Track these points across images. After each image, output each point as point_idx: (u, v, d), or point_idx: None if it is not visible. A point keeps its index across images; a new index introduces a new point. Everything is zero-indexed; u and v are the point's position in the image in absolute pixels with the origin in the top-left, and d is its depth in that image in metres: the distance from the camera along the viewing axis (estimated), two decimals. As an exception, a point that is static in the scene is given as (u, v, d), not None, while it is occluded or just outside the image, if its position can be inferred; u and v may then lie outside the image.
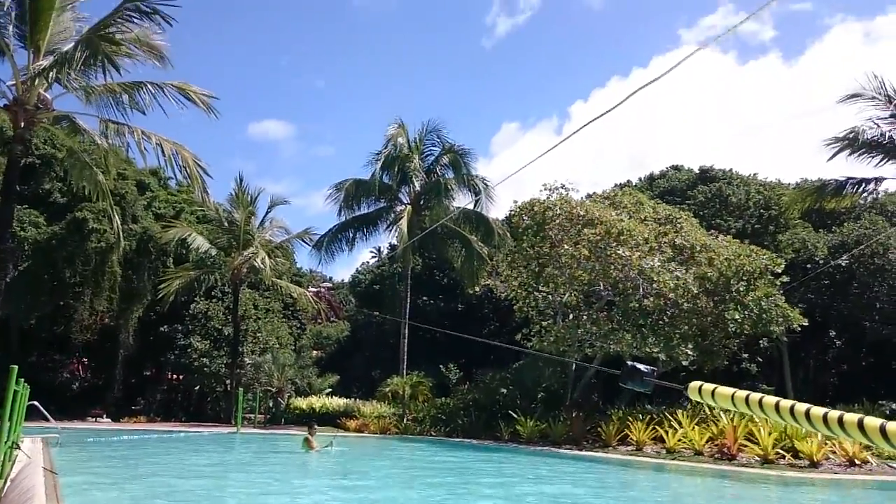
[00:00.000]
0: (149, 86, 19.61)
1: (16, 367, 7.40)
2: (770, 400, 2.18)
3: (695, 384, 2.48)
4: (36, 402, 15.33)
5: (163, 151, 19.40)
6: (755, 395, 2.24)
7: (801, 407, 2.09)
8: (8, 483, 8.95)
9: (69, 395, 31.35)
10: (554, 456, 17.11)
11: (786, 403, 2.14)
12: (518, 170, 10.29)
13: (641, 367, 2.66)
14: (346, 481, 12.57)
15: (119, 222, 23.07)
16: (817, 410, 2.03)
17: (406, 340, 28.47)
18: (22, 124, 17.92)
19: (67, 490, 8.83)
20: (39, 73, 16.99)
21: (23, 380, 9.79)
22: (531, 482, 12.55)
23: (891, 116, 22.66)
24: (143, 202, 32.27)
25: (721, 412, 17.83)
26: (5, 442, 9.16)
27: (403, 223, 27.40)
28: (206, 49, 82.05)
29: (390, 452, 18.57)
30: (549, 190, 23.29)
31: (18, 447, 10.20)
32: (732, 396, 2.30)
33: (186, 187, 35.56)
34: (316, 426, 18.20)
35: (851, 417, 1.93)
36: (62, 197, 30.16)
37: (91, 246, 28.38)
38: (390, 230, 30.32)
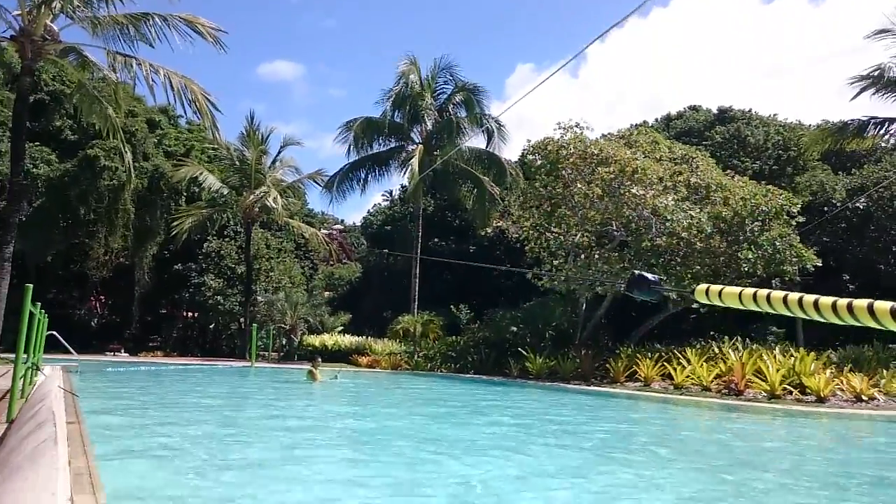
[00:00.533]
0: (155, 17, 19.28)
1: (30, 285, 7.48)
2: (778, 294, 2.13)
3: (702, 287, 2.43)
4: (55, 332, 15.69)
5: (171, 85, 19.19)
6: (762, 291, 2.18)
7: (809, 298, 2.04)
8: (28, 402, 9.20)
9: (88, 331, 32.07)
10: (561, 390, 17.35)
11: (794, 296, 2.08)
12: (521, 97, 10.04)
13: (649, 275, 2.60)
14: (345, 402, 12.91)
15: (130, 159, 23.05)
16: (826, 300, 1.98)
17: (417, 280, 28.64)
18: (29, 55, 17.74)
19: (87, 410, 9.04)
20: (44, 2, 16.69)
21: (39, 304, 9.94)
22: (521, 409, 12.79)
23: (919, 54, 21.93)
24: (153, 140, 32.17)
25: (730, 350, 17.95)
26: (25, 363, 9.38)
27: (415, 162, 27.18)
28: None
29: (397, 385, 18.92)
30: (564, 129, 22.89)
31: (39, 369, 10.44)
32: (740, 295, 2.25)
33: (197, 126, 35.39)
34: (320, 359, 18.92)
35: (861, 303, 1.88)
36: (73, 134, 30.13)
37: (103, 183, 28.48)
38: (402, 170, 30.14)
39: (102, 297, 36.91)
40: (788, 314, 2.07)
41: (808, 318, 2.02)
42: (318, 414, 11.32)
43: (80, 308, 33.99)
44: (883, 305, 1.82)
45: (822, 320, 1.99)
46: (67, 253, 31.49)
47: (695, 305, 23.51)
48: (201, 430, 8.65)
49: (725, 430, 11.07)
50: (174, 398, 12.99)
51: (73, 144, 29.72)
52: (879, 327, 1.83)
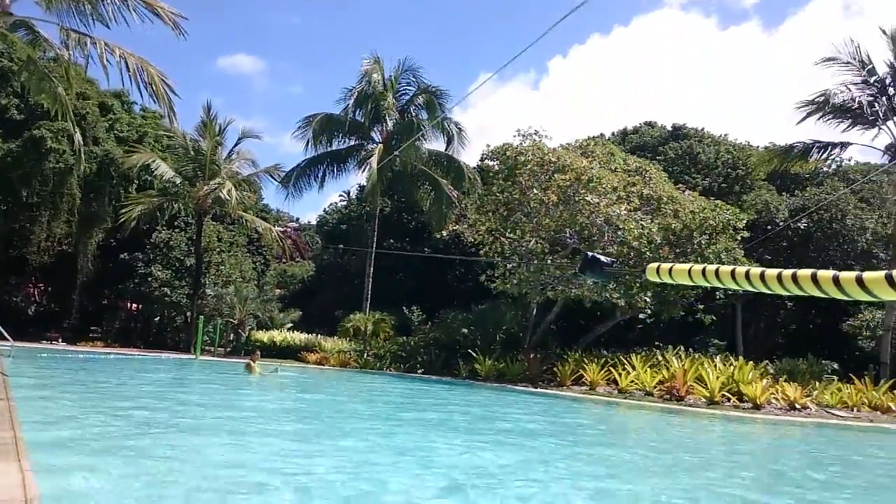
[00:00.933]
0: (113, -4, 18.74)
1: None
2: (725, 268, 2.20)
3: (653, 265, 2.49)
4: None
5: (127, 66, 18.66)
6: (711, 266, 2.26)
7: (756, 270, 2.11)
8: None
9: (24, 318, 30.80)
10: (509, 392, 17.49)
11: (741, 269, 2.16)
12: (476, 87, 10.15)
13: (601, 257, 2.66)
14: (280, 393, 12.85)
15: (80, 140, 22.32)
16: (771, 271, 2.05)
17: (371, 280, 28.49)
18: (-25, 26, 17.01)
19: (17, 390, 8.73)
20: (-6, -29, 16.05)
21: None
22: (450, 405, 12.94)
23: (862, 82, 22.98)
24: (104, 124, 31.17)
25: (673, 357, 18.41)
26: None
27: (374, 160, 27.09)
28: (177, -26, 78.37)
29: (340, 382, 18.82)
30: (523, 136, 23.21)
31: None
32: (689, 271, 2.31)
33: (152, 113, 34.50)
34: (259, 353, 18.90)
35: (805, 272, 1.95)
36: (19, 114, 28.96)
37: (49, 166, 27.46)
38: (361, 168, 29.96)
39: (42, 285, 35.53)
40: (735, 287, 2.14)
41: (754, 290, 2.05)
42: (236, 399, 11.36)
43: (18, 294, 32.64)
44: (825, 273, 1.87)
45: (768, 291, 2.04)
46: (7, 236, 30.21)
47: (641, 315, 24.05)
48: (125, 412, 8.55)
49: (649, 426, 11.37)
50: (108, 379, 12.70)
51: (19, 124, 28.55)
52: (822, 295, 1.88)
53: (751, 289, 2.08)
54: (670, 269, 2.36)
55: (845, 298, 1.83)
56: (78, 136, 21.12)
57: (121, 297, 33.76)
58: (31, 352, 19.39)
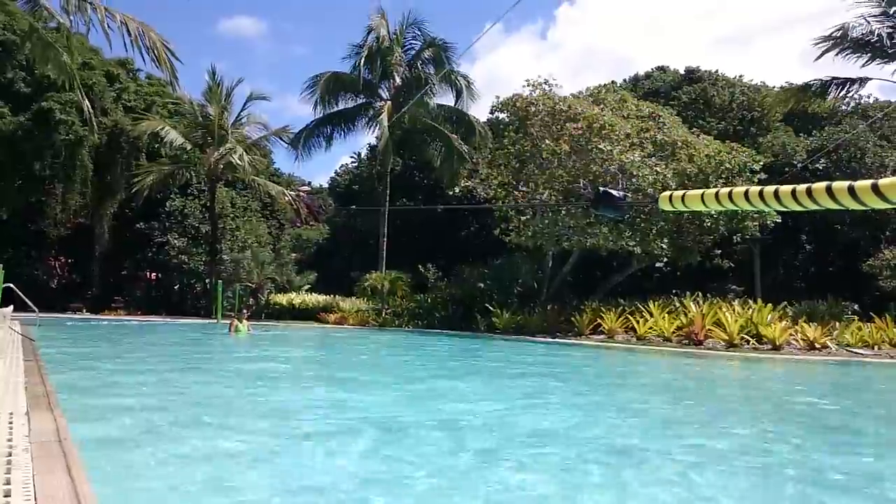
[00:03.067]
0: (111, -40, 18.40)
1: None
2: (739, 189, 2.15)
3: (665, 194, 2.44)
4: (12, 285, 15.28)
5: (128, 31, 18.39)
6: (724, 190, 2.20)
7: (770, 188, 2.06)
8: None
9: (47, 291, 31.28)
10: (527, 342, 17.60)
11: (754, 189, 2.10)
12: (478, 37, 9.93)
13: (614, 191, 2.61)
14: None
15: (90, 109, 22.25)
16: (785, 188, 2.00)
17: (385, 240, 28.52)
18: (-25, -3, 16.84)
19: (46, 357, 8.91)
20: (-10, -62, 15.81)
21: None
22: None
23: (881, 14, 22.22)
24: (112, 94, 31.06)
25: (691, 302, 18.37)
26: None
27: (384, 118, 26.84)
28: (174, -63, 76.87)
29: (354, 337, 19.04)
30: (532, 86, 22.81)
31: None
32: (702, 196, 2.27)
33: (158, 80, 34.28)
34: (246, 312, 19.35)
35: (819, 186, 1.90)
36: (26, 87, 28.90)
37: (59, 138, 27.50)
38: (370, 127, 29.72)
39: (62, 257, 35.98)
40: (750, 208, 2.11)
41: (769, 208, 2.04)
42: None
43: (40, 268, 33.10)
44: (840, 184, 1.84)
45: (784, 209, 2.01)
46: (25, 211, 30.50)
47: (658, 264, 23.94)
48: (147, 368, 8.73)
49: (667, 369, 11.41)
50: (133, 342, 12.99)
51: (27, 97, 28.53)
52: (837, 207, 1.85)
53: (765, 208, 2.05)
54: (683, 196, 2.33)
55: (861, 208, 1.80)
56: (87, 106, 21.03)
57: (139, 266, 34.16)
58: (57, 321, 19.77)
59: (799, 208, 1.96)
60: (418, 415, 5.96)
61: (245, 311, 19.48)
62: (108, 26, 18.10)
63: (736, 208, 2.20)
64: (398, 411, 6.21)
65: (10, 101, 28.37)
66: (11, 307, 14.53)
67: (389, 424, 5.29)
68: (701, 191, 2.28)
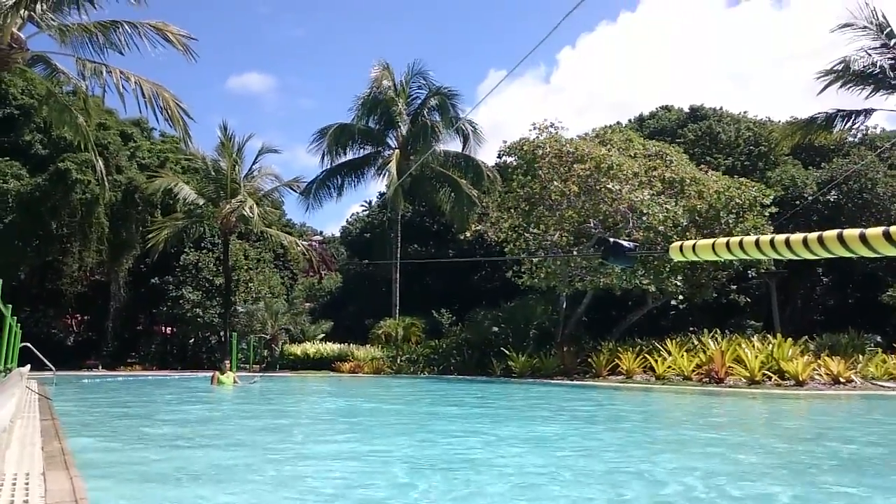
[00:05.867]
0: (125, 25, 19.08)
1: None
2: (749, 239, 2.15)
3: (675, 244, 2.45)
4: (29, 344, 15.39)
5: (142, 92, 18.98)
6: (734, 239, 2.20)
7: (781, 237, 2.06)
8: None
9: (63, 348, 31.42)
10: (544, 385, 17.36)
11: (765, 238, 2.10)
12: (488, 93, 10.12)
13: (624, 242, 2.63)
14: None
15: (103, 168, 22.74)
16: (796, 236, 2.00)
17: (398, 286, 28.55)
18: (-4, 65, 17.43)
19: (63, 415, 8.88)
20: (12, 7, 16.45)
21: (11, 307, 9.75)
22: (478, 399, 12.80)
23: (882, 46, 22.47)
24: (126, 152, 31.77)
25: (710, 339, 18.12)
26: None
27: (392, 166, 27.20)
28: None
29: (375, 386, 18.81)
30: (539, 129, 23.10)
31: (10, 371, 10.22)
32: (713, 245, 2.26)
33: (171, 137, 35.07)
34: (228, 363, 19.15)
35: (830, 233, 1.89)
36: (44, 149, 29.66)
37: (76, 197, 28.03)
38: (379, 175, 30.11)
39: (78, 315, 36.23)
40: (761, 257, 2.09)
41: (781, 257, 2.02)
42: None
43: (56, 326, 33.32)
44: (851, 232, 1.83)
45: (795, 257, 2.00)
46: (41, 270, 30.90)
47: (673, 301, 23.74)
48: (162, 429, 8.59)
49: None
50: (141, 402, 12.93)
51: (44, 159, 29.24)
52: (849, 254, 1.84)
53: (777, 256, 2.04)
54: (693, 247, 2.31)
55: (873, 255, 1.79)
56: (100, 165, 21.52)
57: (155, 321, 34.31)
58: (73, 378, 19.79)
59: (812, 257, 1.94)
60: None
61: (226, 361, 19.42)
62: (123, 87, 18.69)
63: (748, 257, 2.18)
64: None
65: (28, 163, 29.08)
66: (29, 366, 14.58)
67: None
68: (712, 241, 2.27)
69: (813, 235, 1.88)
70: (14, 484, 3.18)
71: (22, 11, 16.84)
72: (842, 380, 14.43)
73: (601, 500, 4.22)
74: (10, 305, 7.99)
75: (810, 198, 26.46)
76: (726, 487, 4.51)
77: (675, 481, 4.70)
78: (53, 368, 17.47)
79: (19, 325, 13.79)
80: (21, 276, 29.82)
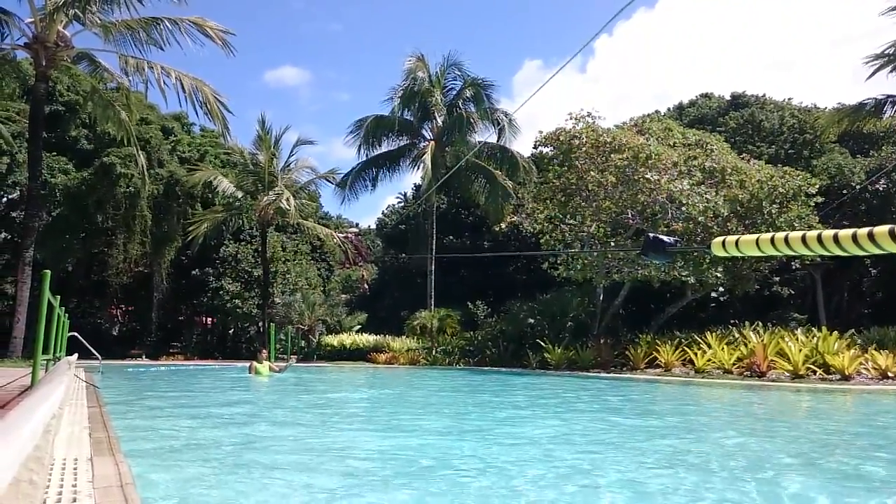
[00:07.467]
0: (166, 21, 19.48)
1: (48, 272, 7.54)
2: (795, 234, 2.06)
3: (717, 240, 2.37)
4: (76, 334, 15.89)
5: (182, 87, 19.40)
6: (779, 234, 2.12)
7: (828, 232, 1.97)
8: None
9: (109, 339, 32.40)
10: (579, 377, 17.20)
11: (812, 233, 2.02)
12: (531, 95, 10.00)
13: (664, 237, 2.56)
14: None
15: (145, 163, 23.28)
16: (845, 232, 1.91)
17: (433, 278, 28.62)
18: (43, 62, 17.98)
19: (109, 402, 9.13)
20: (58, 8, 16.91)
21: (59, 298, 10.05)
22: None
23: (935, 28, 21.62)
24: (167, 146, 32.49)
25: (751, 332, 17.71)
26: (47, 356, 9.46)
27: (427, 158, 27.19)
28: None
29: (403, 375, 18.90)
30: (575, 119, 22.80)
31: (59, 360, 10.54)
32: (757, 241, 2.18)
33: (210, 132, 35.70)
34: (265, 352, 19.01)
35: (882, 229, 1.80)
36: (89, 144, 30.50)
37: (120, 191, 28.79)
38: (414, 167, 30.15)
39: (122, 306, 37.29)
40: (808, 253, 2.02)
41: (829, 253, 1.95)
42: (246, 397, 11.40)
43: (101, 316, 34.34)
44: None
45: (844, 254, 1.92)
46: (87, 262, 31.87)
47: (713, 294, 23.30)
48: (201, 417, 8.73)
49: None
50: (184, 390, 13.23)
51: (90, 153, 30.09)
52: None
53: (824, 252, 1.96)
54: (737, 242, 2.24)
55: None
56: (142, 159, 22.05)
57: (196, 311, 35.10)
58: (118, 367, 20.37)
59: (862, 253, 1.86)
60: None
61: (264, 352, 19.21)
62: (164, 83, 19.09)
63: (794, 253, 2.10)
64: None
65: (75, 157, 29.95)
66: (76, 355, 15.05)
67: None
68: (756, 236, 2.19)
69: (863, 231, 1.80)
70: (63, 468, 3.27)
71: (68, 10, 17.29)
72: (889, 374, 13.96)
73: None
74: (59, 296, 8.28)
75: (858, 187, 25.61)
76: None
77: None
78: (100, 357, 18.02)
79: (67, 315, 14.24)
80: (69, 268, 30.79)
